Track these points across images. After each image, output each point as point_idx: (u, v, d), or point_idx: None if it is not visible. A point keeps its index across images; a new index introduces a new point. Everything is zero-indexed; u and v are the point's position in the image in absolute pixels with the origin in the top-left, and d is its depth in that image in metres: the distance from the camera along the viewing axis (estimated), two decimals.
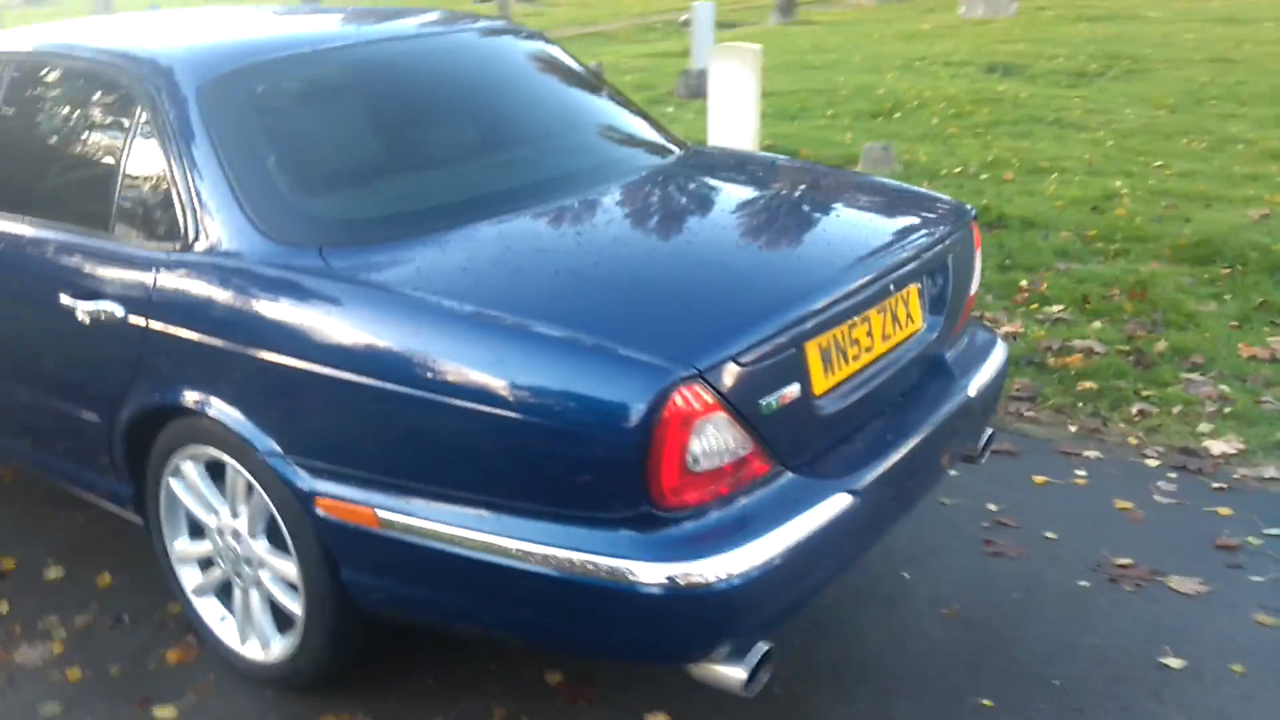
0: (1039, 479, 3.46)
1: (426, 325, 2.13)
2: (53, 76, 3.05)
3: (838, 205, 2.88)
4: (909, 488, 2.53)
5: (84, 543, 3.34)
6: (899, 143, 8.00)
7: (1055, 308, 4.79)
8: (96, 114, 2.86)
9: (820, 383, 2.26)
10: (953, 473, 3.30)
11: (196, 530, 2.75)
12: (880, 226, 2.77)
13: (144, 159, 2.64)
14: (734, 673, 2.09)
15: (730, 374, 2.04)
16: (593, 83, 3.42)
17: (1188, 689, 2.53)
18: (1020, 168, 7.25)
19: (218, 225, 2.47)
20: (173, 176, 2.55)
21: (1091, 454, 3.60)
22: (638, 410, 1.93)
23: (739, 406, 2.05)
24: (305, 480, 2.30)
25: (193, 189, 2.51)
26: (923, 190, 3.14)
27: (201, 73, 2.64)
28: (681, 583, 1.97)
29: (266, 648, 2.65)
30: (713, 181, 3.09)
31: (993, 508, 3.30)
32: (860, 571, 2.98)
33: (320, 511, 2.29)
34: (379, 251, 2.38)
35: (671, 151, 3.18)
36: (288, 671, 2.61)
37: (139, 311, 2.55)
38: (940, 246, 2.69)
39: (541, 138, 3.18)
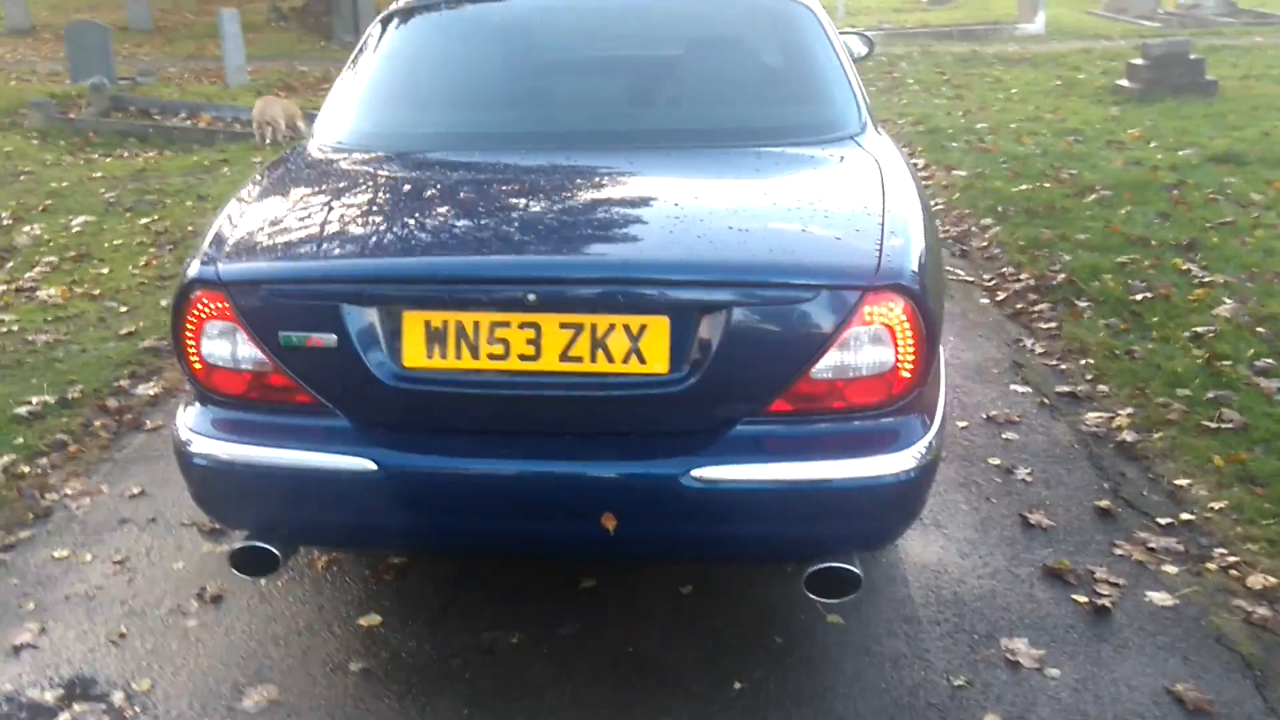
0: None
1: None
2: None
3: (686, 205, 2.59)
4: (503, 516, 2.34)
5: None
6: None
7: None
8: None
9: (415, 358, 2.27)
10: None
11: None
12: (676, 241, 2.38)
13: None
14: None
15: (253, 297, 2.30)
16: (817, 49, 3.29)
17: None
18: None
19: None
20: None
21: None
22: (179, 298, 2.38)
23: (254, 327, 2.30)
24: None
25: None
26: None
27: None
28: (192, 450, 2.40)
29: None
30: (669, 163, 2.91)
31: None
32: None
33: None
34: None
35: (829, 136, 3.00)
36: None
37: None
38: (737, 292, 2.23)
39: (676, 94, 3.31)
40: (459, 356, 2.25)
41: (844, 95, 3.20)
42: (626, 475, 2.27)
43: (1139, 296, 5.00)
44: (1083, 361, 4.53)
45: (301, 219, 2.60)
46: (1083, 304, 5.07)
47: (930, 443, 2.37)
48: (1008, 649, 2.76)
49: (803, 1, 3.42)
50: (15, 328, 5.01)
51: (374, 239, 2.48)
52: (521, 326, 2.23)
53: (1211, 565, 3.12)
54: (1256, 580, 3.03)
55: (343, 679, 2.65)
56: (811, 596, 2.36)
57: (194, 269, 2.38)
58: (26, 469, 3.69)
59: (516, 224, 2.51)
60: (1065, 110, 9.73)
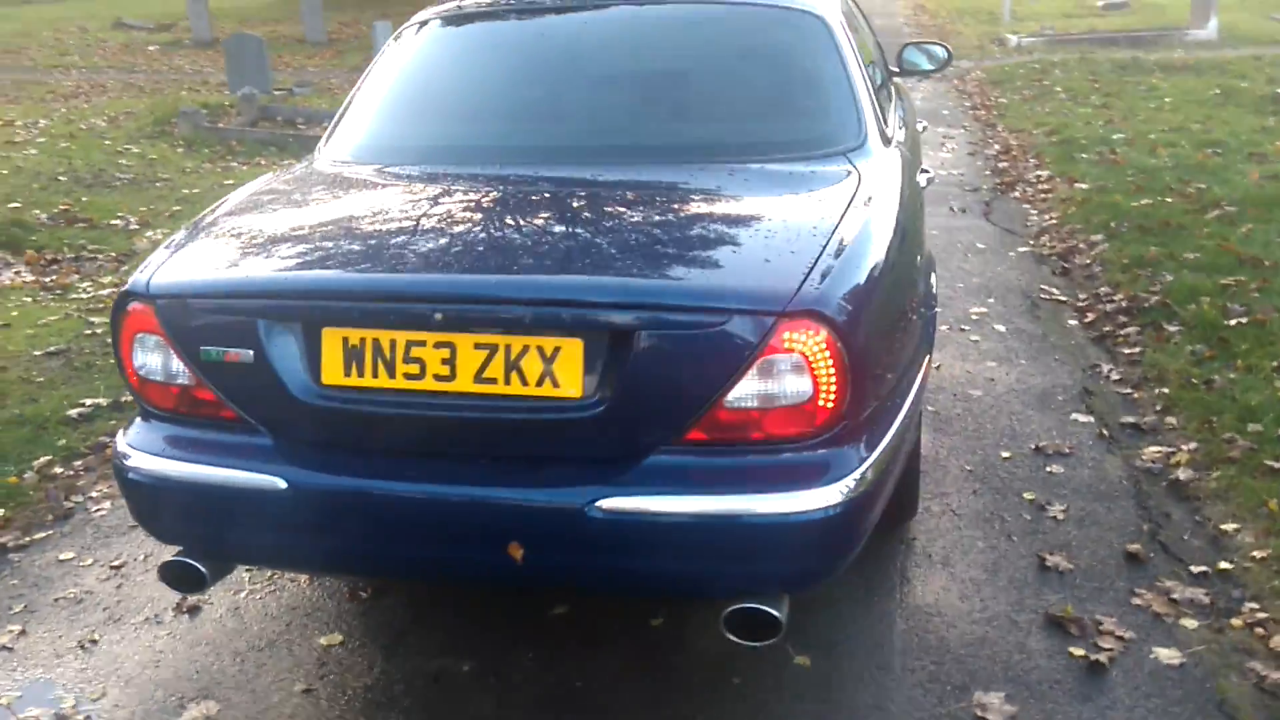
0: None
1: None
2: None
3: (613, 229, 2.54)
4: (402, 541, 2.31)
5: None
6: None
7: None
8: None
9: (333, 376, 2.27)
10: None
11: None
12: (593, 259, 2.36)
13: None
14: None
15: (177, 310, 2.35)
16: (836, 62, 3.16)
17: None
18: None
19: None
20: None
21: None
22: (114, 309, 2.46)
23: (179, 341, 2.35)
24: None
25: None
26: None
27: None
28: (125, 465, 2.45)
29: None
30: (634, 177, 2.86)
31: None
32: None
33: None
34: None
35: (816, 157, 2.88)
36: None
37: None
38: (646, 316, 2.14)
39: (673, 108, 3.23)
40: (376, 375, 2.25)
41: (842, 109, 3.07)
42: (530, 503, 2.22)
43: (1233, 322, 4.61)
44: (1157, 390, 4.21)
45: (243, 234, 2.65)
46: (1172, 328, 4.71)
47: (862, 476, 2.23)
48: (979, 704, 2.57)
49: (813, 11, 3.29)
50: (100, 330, 5.24)
51: (297, 255, 2.51)
52: (437, 346, 2.21)
53: (1237, 621, 2.84)
54: None
55: (285, 700, 2.68)
56: (731, 638, 2.26)
57: (129, 281, 2.47)
58: (60, 470, 3.88)
59: (441, 241, 2.50)
60: (1215, 121, 9.09)
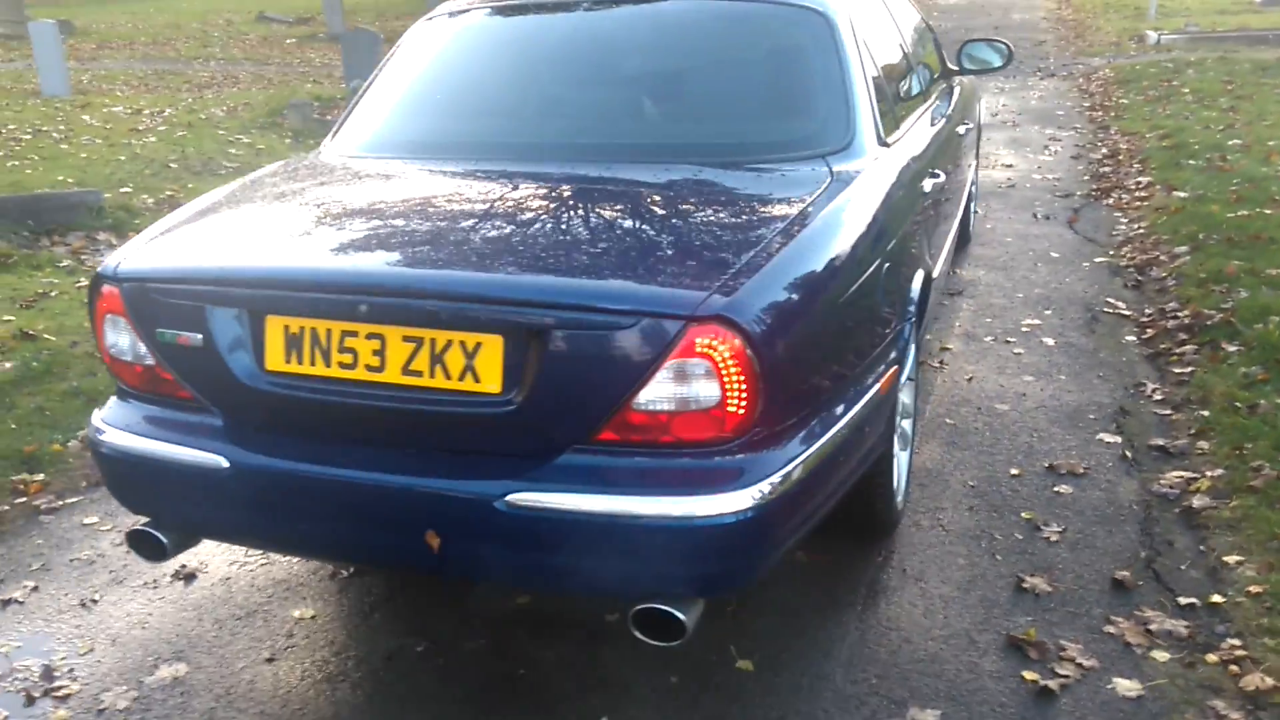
0: None
1: None
2: None
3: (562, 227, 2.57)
4: (332, 524, 2.40)
5: None
6: None
7: None
8: None
9: (275, 362, 2.38)
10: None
11: None
12: (519, 260, 2.38)
13: None
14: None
15: (138, 294, 2.49)
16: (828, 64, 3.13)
17: None
18: None
19: None
20: None
21: None
22: (89, 289, 2.63)
23: (139, 323, 2.50)
24: None
25: None
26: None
27: None
28: (98, 439, 2.62)
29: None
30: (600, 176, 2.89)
31: None
32: None
33: None
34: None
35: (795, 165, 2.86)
36: None
37: None
38: (559, 315, 2.18)
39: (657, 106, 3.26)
40: (313, 363, 2.35)
41: (832, 110, 3.03)
42: (444, 493, 2.28)
43: None
44: (1197, 413, 4.02)
45: (213, 223, 2.77)
46: (1231, 348, 4.49)
47: (779, 483, 2.22)
48: None
49: (817, 8, 3.25)
50: None
51: (249, 244, 2.63)
52: (368, 337, 2.30)
53: (1213, 657, 2.71)
54: (1252, 680, 2.61)
55: (248, 667, 2.82)
56: (638, 636, 2.28)
57: (101, 264, 2.62)
58: None
59: (380, 234, 2.58)
60: None
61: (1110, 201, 7.30)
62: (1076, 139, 9.40)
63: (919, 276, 3.14)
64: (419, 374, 2.28)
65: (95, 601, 3.15)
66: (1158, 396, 4.23)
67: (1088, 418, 4.08)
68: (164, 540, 2.56)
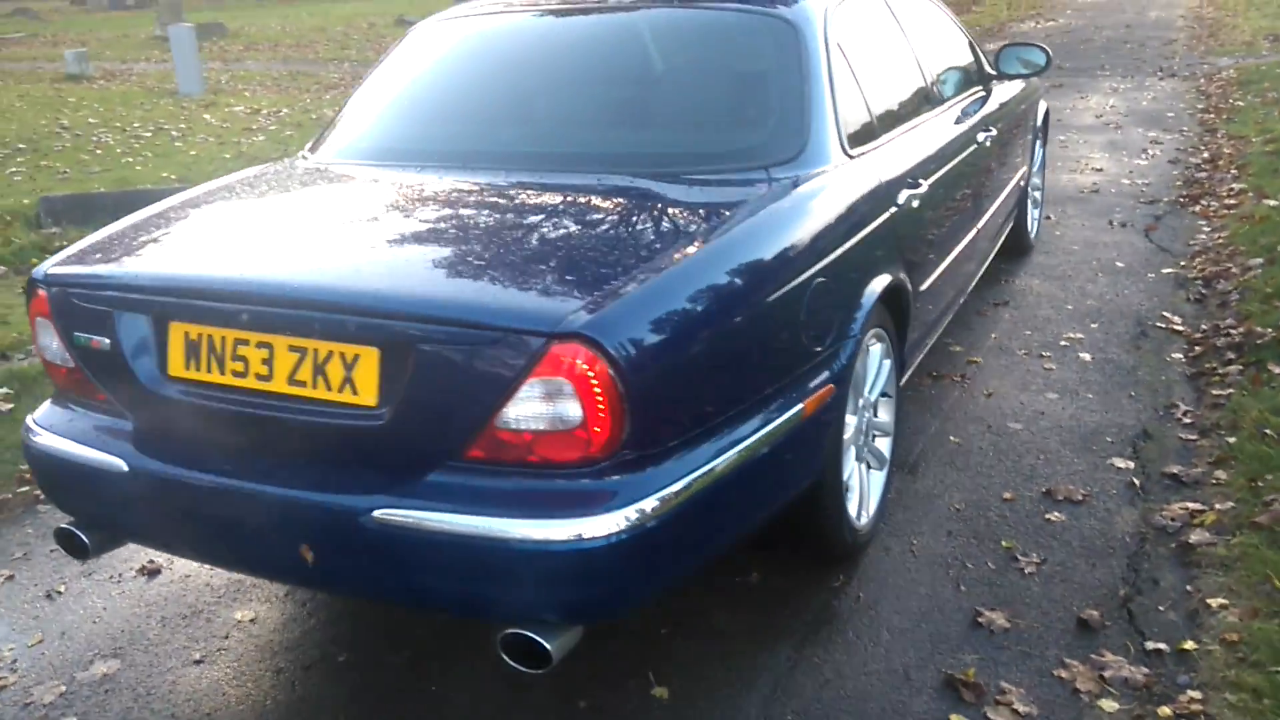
0: None
1: None
2: None
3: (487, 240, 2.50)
4: (217, 531, 2.42)
5: None
6: None
7: None
8: None
9: (176, 368, 2.41)
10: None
11: None
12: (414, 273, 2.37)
13: None
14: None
15: (58, 297, 2.55)
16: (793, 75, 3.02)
17: None
18: None
19: None
20: None
21: None
22: (26, 295, 2.68)
23: (60, 326, 2.55)
24: None
25: None
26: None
27: None
28: (28, 439, 2.66)
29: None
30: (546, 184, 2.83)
31: None
32: None
33: None
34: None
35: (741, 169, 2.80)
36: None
37: None
38: (424, 329, 2.14)
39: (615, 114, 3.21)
40: (210, 370, 2.36)
41: (783, 120, 2.92)
42: (314, 506, 2.25)
43: None
44: (1224, 439, 3.73)
45: (144, 230, 2.79)
46: (1278, 369, 4.16)
47: (655, 507, 2.13)
48: None
49: (786, 17, 3.12)
50: None
51: (159, 251, 2.65)
52: (258, 346, 2.30)
53: (1166, 710, 2.50)
54: None
55: (176, 667, 2.84)
56: (507, 660, 2.21)
57: (34, 268, 2.68)
58: None
59: (278, 242, 2.59)
60: None
61: (1197, 209, 6.88)
62: (1179, 142, 8.90)
63: (874, 288, 2.96)
64: (303, 384, 2.27)
65: (60, 593, 3.24)
66: (1187, 420, 3.96)
67: (1104, 440, 3.83)
68: (86, 540, 2.60)
